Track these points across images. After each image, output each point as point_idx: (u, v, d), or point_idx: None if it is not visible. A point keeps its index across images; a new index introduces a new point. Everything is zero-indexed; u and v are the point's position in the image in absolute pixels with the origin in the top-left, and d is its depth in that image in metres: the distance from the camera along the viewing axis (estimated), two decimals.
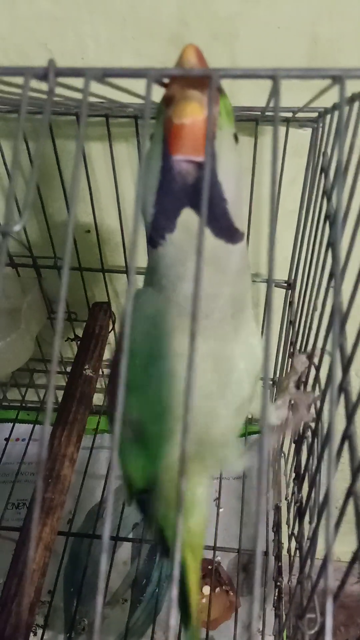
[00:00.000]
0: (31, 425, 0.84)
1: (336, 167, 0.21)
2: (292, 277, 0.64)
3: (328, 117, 0.42)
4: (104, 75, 0.25)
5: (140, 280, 0.72)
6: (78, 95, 0.42)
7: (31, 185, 0.23)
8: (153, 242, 0.32)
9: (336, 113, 0.39)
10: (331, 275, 0.35)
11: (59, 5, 0.53)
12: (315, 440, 0.41)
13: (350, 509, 0.26)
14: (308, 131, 0.55)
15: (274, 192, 0.22)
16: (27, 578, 0.39)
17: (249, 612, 0.67)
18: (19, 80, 0.26)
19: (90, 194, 0.62)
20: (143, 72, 0.24)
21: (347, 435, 0.27)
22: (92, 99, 0.48)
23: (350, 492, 0.25)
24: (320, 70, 0.24)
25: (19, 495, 0.77)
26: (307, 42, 0.53)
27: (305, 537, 0.44)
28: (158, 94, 0.39)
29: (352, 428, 0.27)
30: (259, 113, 0.51)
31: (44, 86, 0.25)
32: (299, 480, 0.49)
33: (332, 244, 0.35)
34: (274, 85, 0.24)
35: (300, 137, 0.57)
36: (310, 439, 0.47)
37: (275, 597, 0.63)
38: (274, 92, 0.24)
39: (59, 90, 0.33)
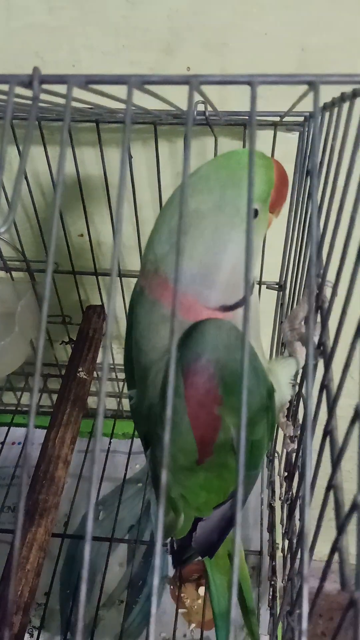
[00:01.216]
0: (25, 429, 0.84)
1: (309, 172, 0.22)
2: (283, 279, 0.65)
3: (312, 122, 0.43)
4: (86, 82, 0.26)
5: (132, 283, 0.73)
6: (73, 103, 0.43)
7: (17, 189, 0.23)
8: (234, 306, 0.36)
9: (326, 115, 0.40)
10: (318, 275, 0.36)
11: (53, 16, 0.54)
12: (303, 435, 0.41)
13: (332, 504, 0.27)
14: (296, 135, 0.56)
15: (250, 196, 0.23)
16: (12, 577, 0.39)
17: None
18: (6, 87, 0.27)
19: (82, 198, 0.63)
20: (124, 79, 0.25)
21: (327, 431, 0.27)
22: (82, 105, 0.49)
23: (330, 485, 0.26)
24: (295, 76, 0.25)
25: (14, 499, 0.78)
26: (296, 51, 0.54)
27: (295, 534, 0.45)
28: (150, 100, 0.40)
29: (334, 422, 0.28)
30: (247, 117, 0.52)
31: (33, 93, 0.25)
32: (289, 477, 0.50)
33: (310, 244, 0.36)
34: (251, 90, 0.25)
35: (289, 143, 0.58)
36: (298, 435, 0.47)
37: (270, 597, 0.63)
38: (252, 98, 0.25)
39: (51, 98, 0.34)
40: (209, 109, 0.50)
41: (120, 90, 0.31)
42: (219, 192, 0.35)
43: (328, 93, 0.35)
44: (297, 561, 0.42)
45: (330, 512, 0.25)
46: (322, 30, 0.53)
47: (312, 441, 0.23)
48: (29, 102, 0.38)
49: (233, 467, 0.38)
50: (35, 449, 0.83)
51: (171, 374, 0.22)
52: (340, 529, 0.24)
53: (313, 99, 0.24)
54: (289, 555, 0.49)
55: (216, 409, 0.35)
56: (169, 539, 0.46)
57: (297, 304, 0.42)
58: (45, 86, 0.27)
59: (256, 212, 0.37)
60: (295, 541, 0.44)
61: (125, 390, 0.88)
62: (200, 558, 0.47)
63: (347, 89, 0.31)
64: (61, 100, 0.44)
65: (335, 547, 0.25)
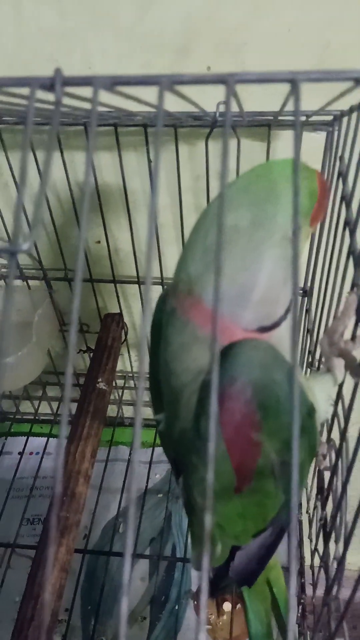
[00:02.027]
0: (45, 439, 0.82)
1: (341, 174, 0.20)
2: (309, 285, 0.62)
3: (345, 119, 0.41)
4: (113, 83, 0.24)
5: (156, 292, 0.71)
6: (85, 105, 0.41)
7: (40, 201, 0.22)
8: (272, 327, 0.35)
9: (354, 115, 0.38)
10: (353, 286, 0.33)
11: (66, 20, 0.53)
12: (340, 459, 0.39)
13: None
14: (322, 135, 0.53)
15: (296, 201, 0.21)
16: (43, 629, 0.38)
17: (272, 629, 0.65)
18: (26, 91, 0.25)
19: (100, 204, 0.61)
20: (155, 79, 0.23)
21: None
22: (100, 109, 0.47)
23: None
24: (341, 72, 0.22)
25: (33, 511, 0.76)
26: (318, 49, 0.52)
27: (332, 557, 0.42)
28: (169, 101, 0.38)
29: None
30: (272, 118, 0.50)
31: (51, 97, 0.23)
32: (322, 496, 0.47)
33: (353, 252, 0.34)
34: (293, 88, 0.23)
35: (313, 142, 0.55)
36: (333, 454, 0.45)
37: (299, 615, 0.61)
38: (295, 97, 0.22)
39: (66, 101, 0.32)
40: (233, 109, 0.48)
41: (143, 92, 0.29)
42: (258, 206, 0.33)
43: (355, 95, 0.33)
44: (335, 586, 0.40)
45: None
46: (344, 28, 0.50)
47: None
48: (47, 106, 0.36)
49: (273, 494, 0.36)
50: (53, 459, 0.82)
51: (212, 404, 0.20)
52: None
53: None
54: (318, 575, 0.47)
55: (255, 434, 0.33)
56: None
57: (335, 318, 0.39)
58: (68, 89, 0.25)
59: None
60: (332, 565, 0.42)
61: (144, 399, 0.86)
62: (239, 588, 0.45)
63: None
64: (81, 104, 0.42)
65: None
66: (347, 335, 0.37)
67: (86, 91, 0.24)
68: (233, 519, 0.38)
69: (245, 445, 0.34)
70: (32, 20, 0.53)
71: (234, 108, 0.47)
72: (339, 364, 0.37)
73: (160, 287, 0.69)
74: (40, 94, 0.24)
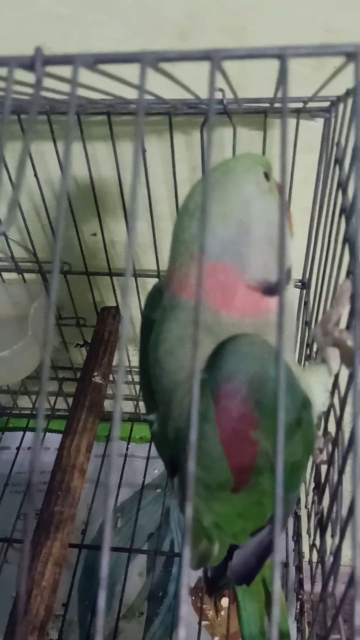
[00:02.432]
0: (42, 433, 0.82)
1: (353, 152, 0.19)
2: (307, 277, 0.61)
3: (341, 105, 0.40)
4: (95, 61, 0.23)
5: (150, 284, 0.70)
6: (82, 92, 0.40)
7: (18, 187, 0.21)
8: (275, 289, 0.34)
9: (350, 100, 0.37)
10: (349, 273, 0.32)
11: (61, 3, 0.52)
12: (336, 450, 0.38)
13: None
14: (320, 122, 0.52)
15: (284, 183, 0.20)
16: (19, 629, 0.37)
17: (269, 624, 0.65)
18: (5, 72, 0.24)
19: (94, 195, 0.60)
20: (137, 57, 0.23)
21: None
22: (93, 95, 0.46)
23: None
24: (331, 46, 0.21)
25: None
26: (319, 33, 0.51)
27: (328, 552, 0.41)
28: (163, 88, 0.37)
29: None
30: (268, 105, 0.49)
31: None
32: (318, 490, 0.47)
33: (349, 239, 0.33)
34: (281, 65, 0.22)
35: (312, 131, 0.54)
36: (329, 446, 0.44)
37: (297, 610, 0.60)
38: (282, 73, 0.22)
39: (62, 87, 0.31)
40: (227, 96, 0.47)
41: (133, 74, 0.28)
42: (222, 186, 0.34)
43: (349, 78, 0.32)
44: (331, 581, 0.39)
45: None
46: (346, 9, 0.49)
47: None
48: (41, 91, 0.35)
49: (271, 492, 0.35)
50: (52, 453, 0.81)
51: (195, 388, 0.19)
52: None
53: (355, 71, 0.21)
54: (317, 571, 0.46)
55: (252, 433, 0.32)
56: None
57: (329, 306, 0.38)
58: (50, 69, 0.24)
59: (267, 176, 0.36)
60: (328, 560, 0.41)
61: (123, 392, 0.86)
62: (236, 586, 0.44)
63: None
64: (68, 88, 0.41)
65: None
66: (343, 324, 0.36)
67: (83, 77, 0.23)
68: (231, 519, 0.37)
69: (243, 444, 0.33)
70: (26, 2, 0.52)
71: (229, 95, 0.46)
72: (333, 354, 0.36)
73: (156, 279, 0.68)
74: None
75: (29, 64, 0.23)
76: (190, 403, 0.33)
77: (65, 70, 0.24)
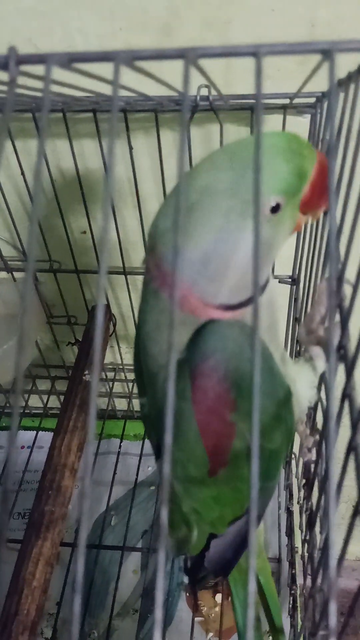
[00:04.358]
0: (34, 432, 0.82)
1: (327, 149, 0.19)
2: (297, 273, 0.61)
3: (326, 101, 0.40)
4: (69, 60, 0.23)
5: (139, 281, 0.70)
6: (64, 90, 0.40)
7: None
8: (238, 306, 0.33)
9: (339, 94, 0.37)
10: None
11: (45, 0, 0.51)
12: (324, 442, 0.38)
13: None
14: (307, 118, 0.52)
15: (258, 183, 0.20)
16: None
17: (263, 621, 0.65)
18: None
19: (82, 193, 0.60)
20: (112, 55, 0.22)
21: (352, 447, 0.24)
22: (78, 94, 0.46)
23: (357, 511, 0.23)
24: (307, 44, 0.21)
25: (24, 505, 0.76)
26: (305, 27, 0.51)
27: (316, 547, 0.42)
28: (149, 85, 0.36)
29: (359, 437, 0.25)
30: (254, 101, 0.49)
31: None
32: (308, 486, 0.47)
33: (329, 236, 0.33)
34: (257, 63, 0.22)
35: (301, 126, 0.54)
36: (317, 441, 0.44)
37: (290, 606, 0.60)
38: (257, 70, 0.21)
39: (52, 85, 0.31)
40: (214, 92, 0.47)
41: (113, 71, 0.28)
42: (238, 172, 0.30)
43: (342, 68, 0.32)
44: (319, 577, 0.39)
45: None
46: (331, 3, 0.49)
47: (334, 463, 0.20)
48: (32, 92, 0.35)
49: (249, 479, 0.35)
50: (45, 452, 0.81)
51: (171, 370, 0.19)
52: None
53: (329, 70, 0.21)
54: (309, 567, 0.47)
55: (229, 415, 0.32)
56: (183, 556, 0.44)
57: (312, 305, 0.38)
58: (25, 68, 0.24)
59: (277, 207, 0.30)
60: (316, 556, 0.41)
61: (135, 390, 0.86)
62: (215, 578, 0.44)
63: None
64: (61, 89, 0.41)
65: None
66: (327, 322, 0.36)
67: (62, 74, 0.23)
68: (209, 504, 0.37)
69: (219, 425, 0.33)
70: None
71: (214, 91, 0.46)
72: (318, 352, 0.36)
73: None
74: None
75: (2, 64, 0.23)
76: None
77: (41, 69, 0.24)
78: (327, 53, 0.21)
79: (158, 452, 0.42)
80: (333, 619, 0.17)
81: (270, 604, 0.51)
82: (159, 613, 0.17)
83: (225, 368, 0.32)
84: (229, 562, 0.40)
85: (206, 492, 0.37)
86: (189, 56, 0.22)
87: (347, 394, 0.26)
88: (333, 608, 0.17)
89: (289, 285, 0.63)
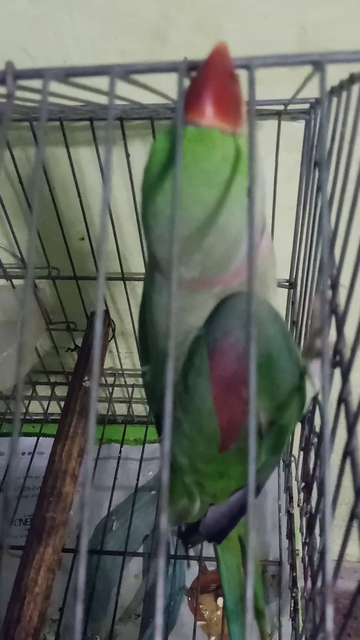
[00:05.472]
0: (35, 438, 0.82)
1: (319, 162, 0.19)
2: (294, 276, 0.62)
3: (320, 108, 0.40)
4: (66, 75, 0.23)
5: (139, 286, 0.71)
6: (60, 100, 0.40)
7: None
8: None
9: (334, 100, 0.37)
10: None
11: (36, 5, 0.52)
12: (322, 445, 0.38)
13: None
14: (302, 124, 0.53)
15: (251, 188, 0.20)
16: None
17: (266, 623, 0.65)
18: None
19: (80, 200, 0.60)
20: (107, 69, 0.23)
21: (349, 451, 0.24)
22: (75, 103, 0.47)
23: (353, 514, 0.23)
24: (298, 56, 0.22)
25: (25, 511, 0.76)
26: (296, 30, 0.51)
27: (316, 549, 0.42)
28: (144, 94, 0.37)
29: (355, 442, 0.25)
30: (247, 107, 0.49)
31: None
32: (307, 489, 0.47)
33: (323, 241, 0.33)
34: (249, 75, 0.22)
35: (296, 131, 0.55)
36: (317, 444, 0.44)
37: (292, 608, 0.61)
38: (249, 82, 0.22)
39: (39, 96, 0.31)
40: None
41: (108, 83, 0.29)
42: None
43: (335, 75, 0.32)
44: (319, 580, 0.40)
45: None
46: (322, 7, 0.49)
47: (331, 465, 0.20)
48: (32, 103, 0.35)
49: (260, 453, 0.36)
50: (46, 458, 0.82)
51: (171, 348, 0.19)
52: None
53: (319, 82, 0.21)
54: (309, 569, 0.47)
55: (245, 391, 0.32)
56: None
57: (311, 317, 0.39)
58: (23, 82, 0.24)
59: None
60: (315, 559, 0.41)
61: (135, 395, 0.86)
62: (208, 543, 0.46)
63: (356, 68, 0.28)
64: (56, 99, 0.41)
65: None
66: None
67: (60, 87, 0.23)
68: (214, 478, 0.37)
69: (234, 401, 0.33)
70: (2, 3, 0.52)
71: None
72: (317, 369, 0.36)
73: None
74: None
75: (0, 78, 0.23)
76: (183, 362, 0.33)
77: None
78: (318, 64, 0.22)
79: (158, 422, 0.42)
80: (330, 624, 0.17)
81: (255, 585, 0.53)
82: (159, 618, 0.17)
83: (244, 344, 0.32)
84: (224, 529, 0.41)
85: (213, 466, 0.37)
86: (181, 69, 0.22)
87: (343, 399, 0.26)
88: (330, 612, 0.17)
89: (286, 289, 0.64)
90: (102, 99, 0.39)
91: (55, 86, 0.25)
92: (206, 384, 0.33)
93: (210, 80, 0.25)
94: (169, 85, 0.33)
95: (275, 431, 0.36)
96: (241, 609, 0.52)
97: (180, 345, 0.34)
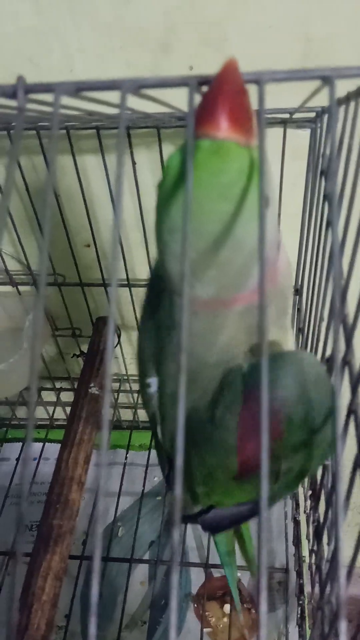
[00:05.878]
0: (41, 444, 0.82)
1: (327, 172, 0.20)
2: (299, 283, 0.62)
3: (326, 117, 0.40)
4: (76, 89, 0.24)
5: (141, 293, 0.71)
6: (70, 110, 0.40)
7: (3, 206, 0.21)
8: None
9: (341, 110, 0.37)
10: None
11: (43, 18, 0.52)
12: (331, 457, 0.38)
13: None
14: (307, 132, 0.53)
15: (262, 198, 0.20)
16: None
17: (272, 630, 0.65)
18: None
19: (86, 207, 0.61)
20: (118, 84, 0.23)
21: (358, 464, 0.24)
22: (80, 113, 0.47)
23: None
24: (309, 71, 0.22)
25: (31, 517, 0.76)
26: (300, 42, 0.51)
27: (324, 559, 0.42)
28: (151, 104, 0.37)
29: None
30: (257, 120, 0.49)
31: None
32: (314, 497, 0.47)
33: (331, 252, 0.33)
34: (259, 90, 0.22)
35: (301, 139, 0.55)
36: None
37: (299, 616, 0.60)
38: (260, 96, 0.22)
39: (47, 107, 0.31)
40: None
41: (117, 95, 0.29)
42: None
43: (341, 86, 0.32)
44: (327, 589, 0.39)
45: None
46: (326, 19, 0.50)
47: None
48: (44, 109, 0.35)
49: (274, 487, 0.36)
50: (51, 464, 0.82)
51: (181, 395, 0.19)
52: None
53: (329, 97, 0.21)
54: (317, 577, 0.47)
55: (273, 442, 0.33)
56: None
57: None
58: (33, 96, 0.25)
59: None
60: (325, 567, 0.41)
61: (140, 401, 0.86)
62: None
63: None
64: (63, 109, 0.42)
65: None
66: None
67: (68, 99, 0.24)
68: (224, 496, 0.38)
69: (258, 449, 0.33)
70: (9, 19, 0.52)
71: None
72: None
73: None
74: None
75: (10, 93, 0.23)
76: (216, 389, 0.33)
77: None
78: (327, 79, 0.22)
79: (154, 424, 0.42)
80: (343, 639, 0.17)
81: (246, 541, 0.55)
82: (174, 618, 0.17)
83: (281, 404, 0.32)
84: (222, 527, 0.41)
85: (225, 488, 0.38)
86: (192, 84, 0.22)
87: (352, 410, 0.26)
88: (343, 627, 0.17)
89: (293, 295, 0.64)
90: (109, 109, 0.39)
91: (63, 98, 0.25)
92: (234, 423, 0.33)
93: (224, 93, 0.25)
94: (177, 97, 0.34)
95: (294, 475, 0.36)
96: (231, 560, 0.56)
97: (214, 367, 0.34)
